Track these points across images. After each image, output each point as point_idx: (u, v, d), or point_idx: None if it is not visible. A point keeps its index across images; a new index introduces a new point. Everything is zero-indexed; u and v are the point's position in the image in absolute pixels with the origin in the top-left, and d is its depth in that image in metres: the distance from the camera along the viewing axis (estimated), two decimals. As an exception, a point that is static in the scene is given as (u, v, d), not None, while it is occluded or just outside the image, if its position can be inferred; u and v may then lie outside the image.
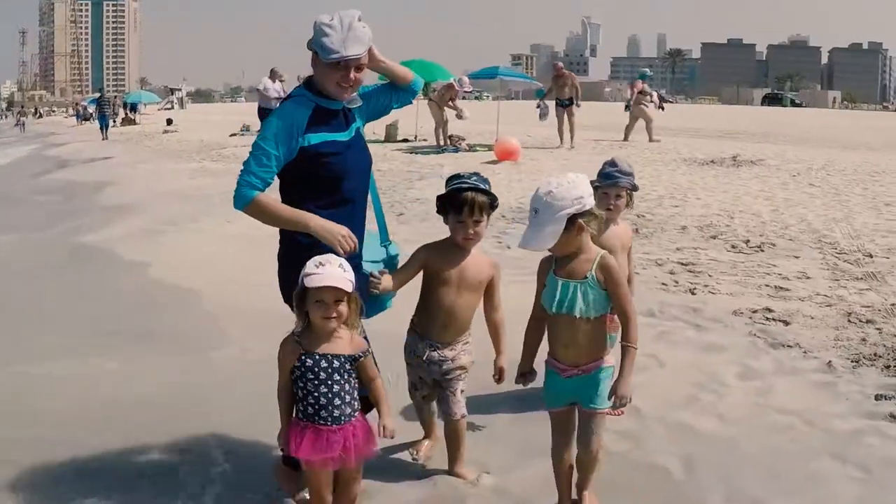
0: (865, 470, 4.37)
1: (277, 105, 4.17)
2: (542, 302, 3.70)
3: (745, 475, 4.32)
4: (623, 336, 3.60)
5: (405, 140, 24.11)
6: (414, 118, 23.16)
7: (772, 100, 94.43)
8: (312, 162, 3.76)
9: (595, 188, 4.62)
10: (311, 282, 3.33)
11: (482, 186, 4.04)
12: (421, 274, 4.16)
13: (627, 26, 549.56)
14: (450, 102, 22.08)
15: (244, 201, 3.67)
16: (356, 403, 3.52)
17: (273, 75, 22.61)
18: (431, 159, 19.55)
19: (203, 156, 23.70)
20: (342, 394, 3.44)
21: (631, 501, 4.11)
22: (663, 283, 8.13)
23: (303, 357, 3.42)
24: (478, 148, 21.41)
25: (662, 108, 26.00)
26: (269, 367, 3.70)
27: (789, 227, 10.73)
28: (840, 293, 7.63)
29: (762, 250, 9.45)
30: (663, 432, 4.83)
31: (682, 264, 8.86)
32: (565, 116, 21.80)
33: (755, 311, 7.10)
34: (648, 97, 23.55)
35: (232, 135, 30.23)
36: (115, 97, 59.40)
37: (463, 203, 3.96)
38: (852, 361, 5.86)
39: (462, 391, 4.26)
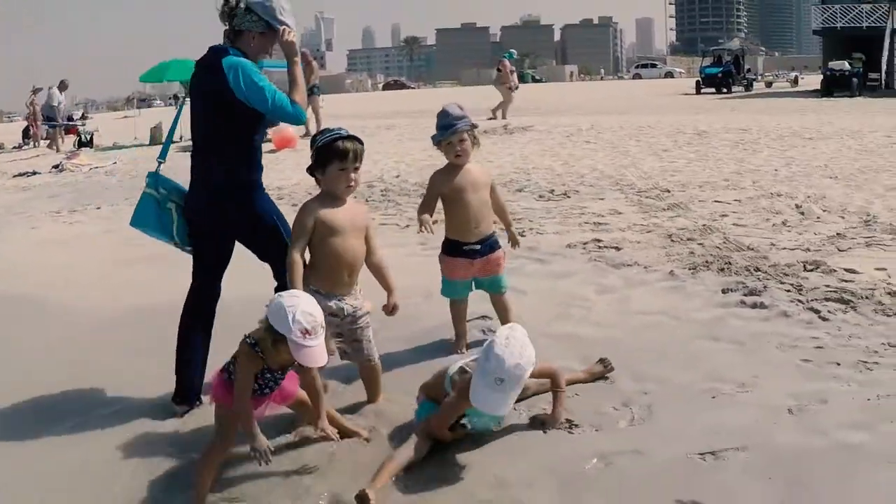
0: (738, 343, 5.09)
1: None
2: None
3: (639, 362, 4.88)
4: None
5: (173, 142, 23.49)
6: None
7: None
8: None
9: (437, 143, 5.13)
10: (298, 353, 3.54)
11: (356, 135, 4.31)
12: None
13: (361, 18, 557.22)
14: None
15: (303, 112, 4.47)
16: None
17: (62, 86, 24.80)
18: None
19: None
20: (279, 380, 3.89)
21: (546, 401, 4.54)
22: (491, 231, 8.68)
23: (263, 371, 3.74)
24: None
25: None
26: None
27: (584, 175, 11.74)
28: (654, 221, 8.55)
29: (568, 196, 10.30)
30: (552, 342, 5.29)
31: (501, 215, 9.47)
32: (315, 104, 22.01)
33: (586, 243, 7.81)
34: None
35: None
36: None
37: (346, 152, 4.19)
38: (689, 269, 6.67)
39: (371, 335, 4.55)
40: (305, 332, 3.49)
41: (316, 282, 4.32)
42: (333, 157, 4.21)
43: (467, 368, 4.07)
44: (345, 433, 4.22)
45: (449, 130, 5.02)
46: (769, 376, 4.57)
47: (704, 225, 8.21)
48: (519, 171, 12.61)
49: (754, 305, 5.71)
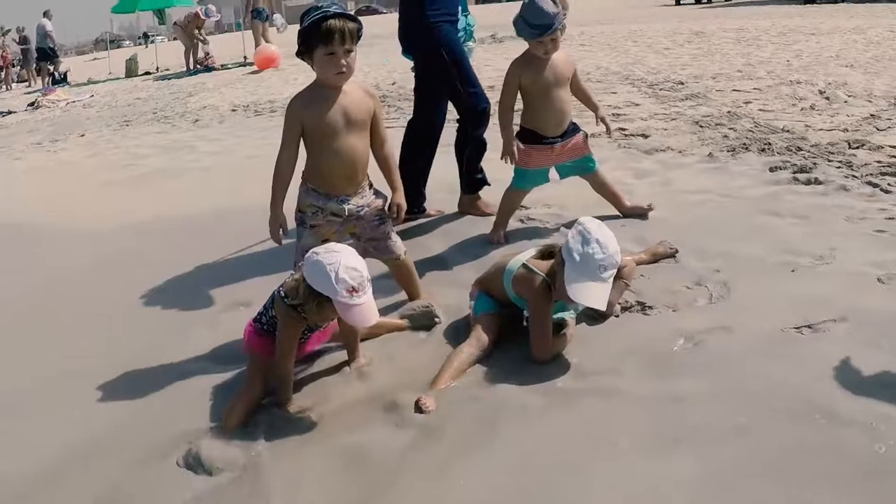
0: (802, 217, 4.71)
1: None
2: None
3: (699, 239, 4.49)
4: None
5: (147, 73, 22.75)
6: (153, 54, 22.11)
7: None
8: None
9: (533, 38, 4.51)
10: (347, 314, 3.12)
11: (349, 12, 3.66)
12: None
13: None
14: (196, 31, 21.09)
15: None
16: None
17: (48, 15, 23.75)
18: (189, 80, 18.51)
19: None
20: None
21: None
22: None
23: (305, 332, 3.41)
24: (230, 65, 20.57)
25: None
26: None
27: (589, 73, 11.24)
28: (675, 110, 8.12)
29: (578, 92, 9.80)
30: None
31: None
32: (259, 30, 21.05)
33: (610, 133, 7.35)
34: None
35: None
36: None
37: (332, 31, 3.52)
38: (728, 151, 6.27)
39: (394, 231, 4.02)
40: (352, 291, 3.06)
41: (313, 181, 3.82)
42: (318, 39, 3.56)
43: (532, 267, 3.56)
44: (393, 329, 3.88)
45: (548, 32, 4.47)
46: (846, 247, 4.20)
47: (730, 111, 7.78)
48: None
49: (808, 182, 5.33)
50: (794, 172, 5.51)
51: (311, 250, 3.22)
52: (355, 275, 3.07)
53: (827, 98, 8.15)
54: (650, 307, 3.82)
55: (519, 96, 4.72)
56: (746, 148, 6.28)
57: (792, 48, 12.77)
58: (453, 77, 5.02)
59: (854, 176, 5.35)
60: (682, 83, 9.68)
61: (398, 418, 3.16)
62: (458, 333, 3.77)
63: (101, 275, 5.19)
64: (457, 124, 5.29)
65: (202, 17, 21.63)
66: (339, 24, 3.54)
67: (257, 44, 19.88)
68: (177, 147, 9.16)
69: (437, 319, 3.96)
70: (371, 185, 3.94)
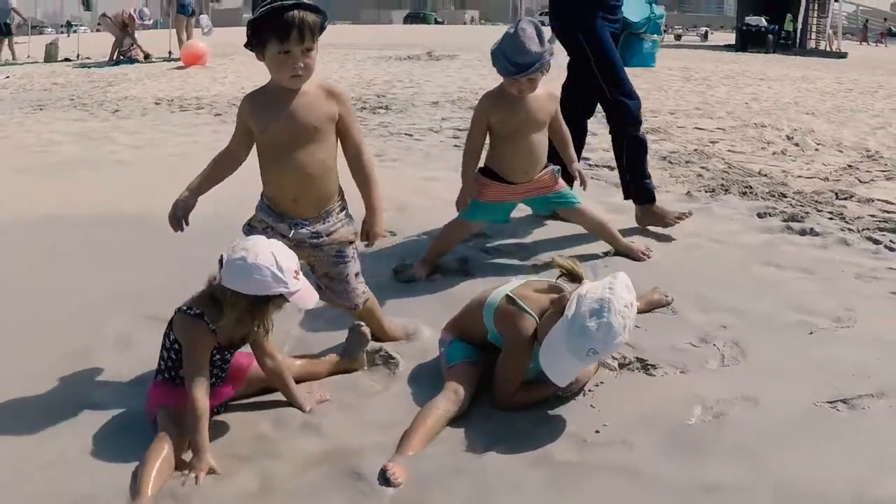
0: (806, 271, 4.26)
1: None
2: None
3: (698, 289, 4.00)
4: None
5: (67, 59, 21.57)
6: (74, 43, 21.60)
7: (414, 18, 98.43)
8: None
9: (508, 76, 3.99)
10: (301, 300, 2.75)
11: (308, 1, 3.00)
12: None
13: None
14: (128, 30, 20.08)
15: None
16: None
17: None
18: (110, 70, 17.44)
19: None
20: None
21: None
22: (455, 145, 7.70)
23: (214, 352, 2.81)
24: (154, 59, 19.56)
25: None
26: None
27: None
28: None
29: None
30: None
31: (461, 130, 8.49)
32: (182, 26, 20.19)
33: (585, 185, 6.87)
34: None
35: None
36: None
37: (289, 25, 2.89)
38: (707, 192, 5.84)
39: (357, 274, 3.35)
40: (297, 274, 2.71)
41: (266, 194, 3.21)
42: (270, 34, 2.94)
43: (518, 300, 2.97)
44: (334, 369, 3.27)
45: (526, 72, 3.91)
46: (865, 310, 3.74)
47: (696, 149, 7.38)
48: (463, 90, 11.62)
49: (803, 232, 4.89)
50: (786, 220, 5.08)
51: (228, 256, 2.68)
52: (288, 251, 2.75)
53: (796, 144, 7.83)
54: (653, 366, 3.28)
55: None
56: (726, 190, 5.85)
57: (744, 91, 12.58)
58: (597, 76, 4.73)
59: (850, 229, 4.94)
60: (653, 112, 9.26)
61: (365, 487, 2.54)
62: (422, 378, 3.20)
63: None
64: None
65: (136, 20, 20.58)
66: (298, 17, 2.90)
67: (180, 40, 19.01)
68: (94, 136, 8.33)
69: (391, 361, 3.36)
70: (344, 210, 3.26)
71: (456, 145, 7.70)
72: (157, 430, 2.71)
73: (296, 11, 2.90)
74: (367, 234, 3.26)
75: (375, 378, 3.27)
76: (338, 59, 18.26)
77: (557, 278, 3.04)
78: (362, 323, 3.33)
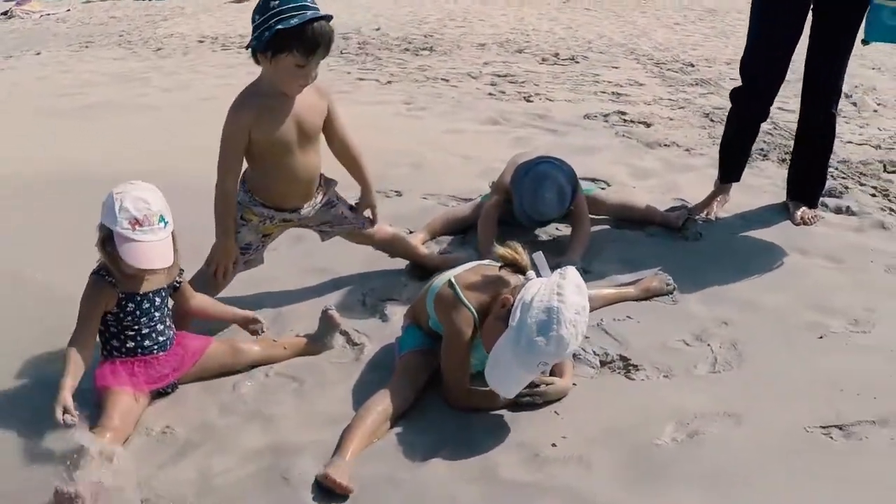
0: (834, 259, 3.81)
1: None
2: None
3: (706, 274, 3.60)
4: None
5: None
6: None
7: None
8: None
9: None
10: (124, 250, 2.63)
11: (328, 13, 2.89)
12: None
13: None
14: None
15: None
16: (172, 324, 2.93)
17: None
18: (170, 2, 17.43)
19: None
20: (164, 320, 2.86)
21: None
22: (490, 94, 7.30)
23: (122, 300, 2.73)
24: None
25: None
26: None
27: (591, 41, 10.25)
28: (683, 96, 7.15)
29: (577, 62, 8.84)
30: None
31: (500, 76, 8.07)
32: None
33: (607, 115, 6.44)
34: None
35: None
36: None
37: (315, 44, 2.85)
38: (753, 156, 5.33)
39: (350, 207, 3.47)
40: (135, 223, 2.61)
41: (261, 195, 3.18)
42: (295, 47, 2.84)
43: (458, 288, 2.69)
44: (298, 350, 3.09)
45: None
46: (888, 312, 3.29)
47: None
48: (516, 31, 11.08)
49: (839, 210, 4.40)
50: (823, 195, 4.58)
51: None
52: (141, 206, 2.64)
53: (854, 104, 7.20)
54: (636, 367, 2.95)
55: None
56: (765, 155, 5.35)
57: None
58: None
59: (893, 210, 4.43)
60: (692, 65, 8.66)
61: (289, 494, 2.36)
62: (387, 365, 2.93)
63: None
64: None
65: None
66: (327, 33, 2.88)
67: None
68: (130, 77, 8.17)
69: (356, 345, 3.14)
70: (321, 180, 3.34)
71: (490, 93, 7.30)
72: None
73: (325, 25, 2.85)
74: (365, 210, 3.42)
75: (341, 362, 3.04)
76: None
77: (500, 268, 2.70)
78: (332, 307, 3.16)
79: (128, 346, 2.76)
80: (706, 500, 2.27)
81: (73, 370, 2.52)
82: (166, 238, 2.69)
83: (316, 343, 3.10)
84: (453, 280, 2.73)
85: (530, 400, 2.67)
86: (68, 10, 16.71)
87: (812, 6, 3.97)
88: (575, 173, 3.89)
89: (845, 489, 2.31)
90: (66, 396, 2.42)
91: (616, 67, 8.52)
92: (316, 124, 3.14)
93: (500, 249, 2.68)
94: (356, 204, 3.43)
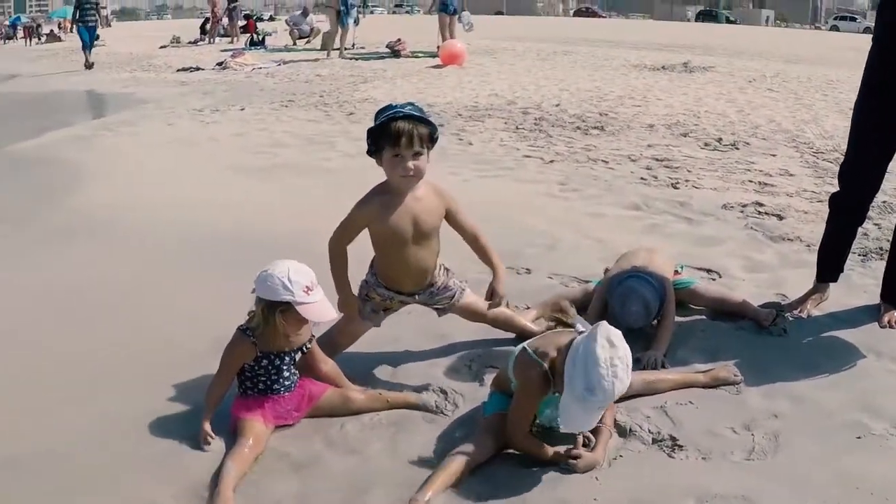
0: (904, 364, 3.99)
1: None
2: (542, 421, 3.31)
3: (778, 371, 3.88)
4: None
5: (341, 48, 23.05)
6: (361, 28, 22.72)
7: (706, 16, 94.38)
8: None
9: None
10: (309, 312, 3.27)
11: (419, 115, 3.47)
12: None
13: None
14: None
15: None
16: (297, 371, 3.53)
17: None
18: (373, 64, 18.61)
19: (133, 66, 22.14)
20: (291, 369, 3.46)
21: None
22: (642, 178, 7.66)
23: (259, 357, 3.36)
24: (420, 54, 20.49)
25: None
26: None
27: (759, 126, 10.36)
28: (828, 189, 7.19)
29: (737, 148, 9.05)
30: (677, 326, 4.35)
31: (657, 160, 8.40)
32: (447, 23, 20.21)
33: (745, 206, 6.69)
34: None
35: (162, 47, 27.87)
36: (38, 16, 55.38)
37: (399, 134, 3.40)
38: (860, 255, 5.47)
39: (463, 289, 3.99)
40: (307, 289, 3.23)
41: (382, 278, 3.80)
42: (385, 139, 3.44)
43: (529, 350, 3.18)
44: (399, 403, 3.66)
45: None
46: (936, 419, 3.48)
47: (885, 201, 6.87)
48: (688, 112, 11.33)
49: (932, 316, 4.53)
50: (923, 299, 4.70)
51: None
52: (306, 271, 3.27)
53: None
54: (680, 447, 3.31)
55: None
56: (881, 255, 5.46)
57: None
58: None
59: None
60: (851, 156, 8.67)
61: None
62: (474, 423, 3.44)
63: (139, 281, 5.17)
64: None
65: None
66: (409, 127, 3.41)
67: (442, 37, 19.60)
68: (319, 140, 9.09)
69: (441, 409, 3.66)
70: (439, 270, 3.87)
71: (642, 177, 7.67)
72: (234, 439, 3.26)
73: (407, 122, 3.42)
74: (493, 293, 3.79)
75: (435, 417, 3.58)
76: (594, 65, 18.24)
77: (556, 327, 3.25)
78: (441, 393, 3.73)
79: (259, 387, 3.38)
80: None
81: (212, 406, 3.30)
82: (322, 294, 3.34)
83: (416, 399, 3.65)
84: (525, 345, 3.25)
85: (566, 467, 3.13)
86: (279, 64, 17.79)
87: None
88: (668, 288, 4.26)
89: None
90: (206, 426, 3.21)
91: (773, 155, 8.67)
92: (432, 223, 3.63)
93: (545, 312, 3.22)
94: (488, 289, 3.82)
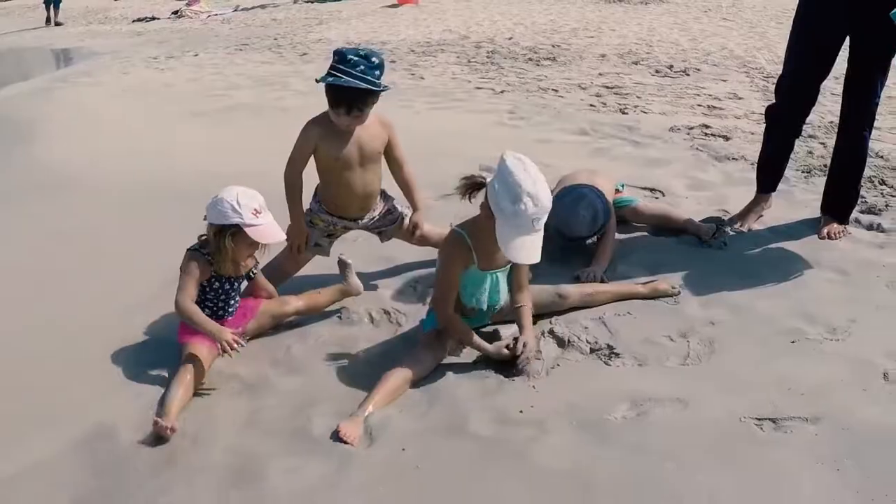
0: (841, 272, 3.99)
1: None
2: (465, 300, 3.33)
3: (715, 280, 3.89)
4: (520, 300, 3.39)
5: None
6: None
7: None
8: None
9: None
10: (257, 234, 3.27)
11: (363, 85, 3.42)
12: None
13: None
14: None
15: None
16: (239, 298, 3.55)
17: None
18: (330, 6, 18.36)
19: (90, 19, 21.44)
20: (236, 297, 3.51)
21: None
22: (591, 105, 7.62)
23: (212, 279, 3.36)
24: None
25: None
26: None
27: (711, 53, 10.30)
28: (775, 112, 7.22)
29: (688, 74, 9.00)
30: (617, 241, 4.33)
31: (607, 87, 8.35)
32: None
33: (692, 128, 6.66)
34: None
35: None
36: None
37: (340, 102, 3.49)
38: (803, 172, 5.48)
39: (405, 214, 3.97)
40: (256, 212, 3.25)
41: (326, 204, 3.80)
42: (330, 100, 3.52)
43: (455, 226, 3.27)
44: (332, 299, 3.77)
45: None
46: (868, 323, 3.48)
47: (832, 122, 6.85)
48: (641, 42, 11.25)
49: (871, 226, 4.54)
50: (861, 212, 4.72)
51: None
52: (254, 195, 3.28)
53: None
54: (617, 355, 3.31)
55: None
56: (824, 172, 5.43)
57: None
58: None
59: (925, 229, 4.52)
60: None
61: (312, 445, 2.86)
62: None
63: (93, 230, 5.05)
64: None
65: None
66: (350, 98, 3.45)
67: None
68: (272, 81, 8.94)
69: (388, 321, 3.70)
70: (381, 196, 3.89)
71: (591, 104, 7.61)
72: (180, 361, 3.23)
73: (350, 91, 3.43)
74: (415, 226, 3.89)
75: (378, 334, 3.59)
76: (550, 0, 18.02)
77: (462, 198, 3.23)
78: (343, 255, 3.82)
79: (205, 313, 3.32)
80: (632, 464, 2.64)
81: (203, 317, 3.25)
82: (271, 216, 3.32)
83: (345, 286, 3.76)
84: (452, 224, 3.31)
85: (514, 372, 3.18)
86: (235, 10, 17.55)
87: (849, 38, 4.15)
88: (611, 206, 4.23)
89: (748, 476, 2.58)
90: (228, 333, 3.20)
91: (724, 80, 8.62)
92: (376, 147, 3.66)
93: (462, 182, 3.20)
94: (408, 220, 3.91)
